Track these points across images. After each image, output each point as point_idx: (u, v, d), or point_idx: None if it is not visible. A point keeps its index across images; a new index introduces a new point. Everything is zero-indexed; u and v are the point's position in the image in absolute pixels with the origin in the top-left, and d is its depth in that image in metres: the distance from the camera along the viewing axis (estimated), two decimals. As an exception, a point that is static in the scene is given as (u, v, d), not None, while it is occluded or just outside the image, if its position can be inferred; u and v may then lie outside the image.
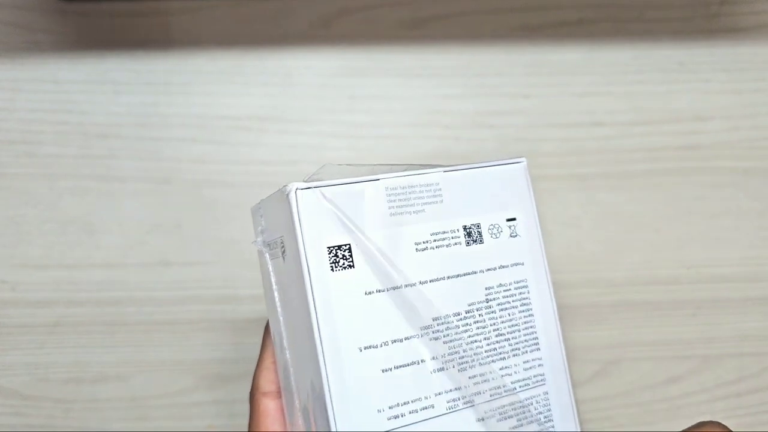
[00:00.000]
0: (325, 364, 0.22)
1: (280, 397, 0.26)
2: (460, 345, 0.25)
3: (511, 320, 0.26)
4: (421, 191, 0.25)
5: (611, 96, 0.44)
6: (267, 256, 0.26)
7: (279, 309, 0.25)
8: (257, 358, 0.28)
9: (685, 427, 0.25)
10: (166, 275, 0.42)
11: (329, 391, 0.22)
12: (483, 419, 0.24)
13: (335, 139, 0.43)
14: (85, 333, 0.42)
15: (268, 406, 0.26)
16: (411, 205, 0.25)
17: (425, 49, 0.43)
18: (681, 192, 0.44)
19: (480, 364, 0.25)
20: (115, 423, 0.42)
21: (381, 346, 0.23)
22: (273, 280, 0.25)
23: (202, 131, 0.42)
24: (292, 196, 0.23)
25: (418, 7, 0.43)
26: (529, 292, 0.26)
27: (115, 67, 0.42)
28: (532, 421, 0.25)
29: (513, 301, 0.26)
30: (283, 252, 0.24)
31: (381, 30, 0.43)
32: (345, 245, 0.23)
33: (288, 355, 0.25)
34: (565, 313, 0.43)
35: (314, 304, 0.23)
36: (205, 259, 0.42)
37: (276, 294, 0.25)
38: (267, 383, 0.26)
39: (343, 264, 0.23)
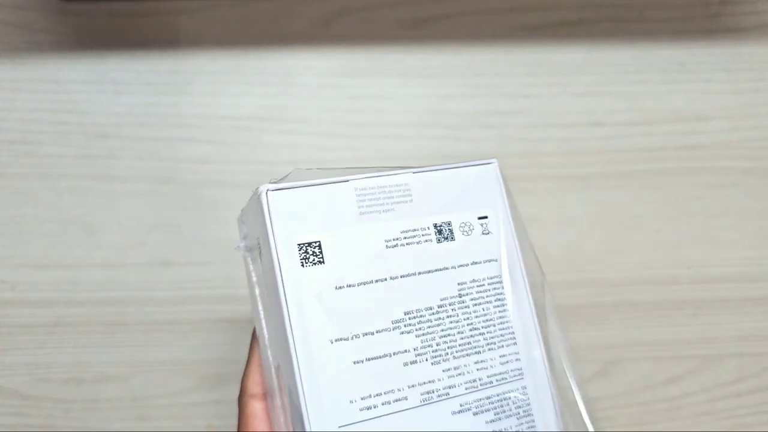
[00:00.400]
0: (296, 356, 0.23)
1: (266, 399, 0.27)
2: (434, 338, 0.25)
3: (485, 315, 0.26)
4: (390, 191, 0.26)
5: (611, 96, 0.44)
6: (249, 260, 0.26)
7: (261, 310, 0.26)
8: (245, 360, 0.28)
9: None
10: (166, 275, 0.42)
11: (301, 382, 0.23)
12: (458, 412, 0.25)
13: (335, 139, 0.43)
14: (85, 333, 0.42)
15: (256, 407, 0.26)
16: (380, 205, 0.25)
17: (425, 49, 0.43)
18: (681, 192, 0.44)
19: (454, 357, 0.25)
20: (115, 423, 0.42)
21: (352, 338, 0.24)
22: (255, 282, 0.26)
23: (202, 131, 0.42)
24: (263, 196, 0.24)
25: (418, 7, 0.43)
26: (503, 288, 0.27)
27: (115, 67, 0.42)
28: (510, 415, 0.25)
29: (487, 296, 0.26)
30: (260, 253, 0.25)
31: (381, 30, 0.43)
32: (315, 242, 0.24)
33: (269, 355, 0.25)
34: (565, 313, 0.43)
35: (285, 298, 0.23)
36: (205, 259, 0.42)
37: (258, 296, 0.26)
38: (254, 385, 0.27)
39: (314, 260, 0.24)
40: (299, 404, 0.23)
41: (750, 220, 0.44)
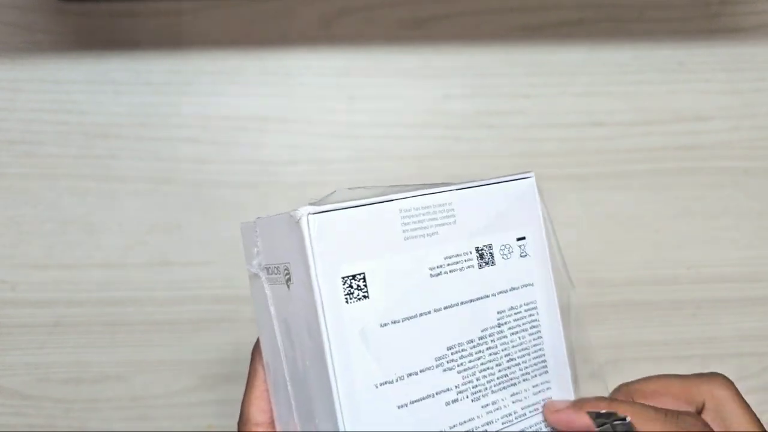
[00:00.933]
0: (340, 404, 0.21)
1: (273, 427, 0.25)
2: (474, 374, 0.24)
3: (521, 344, 0.25)
4: (434, 212, 0.24)
5: (611, 96, 0.44)
6: (264, 281, 0.24)
7: (279, 339, 0.24)
8: (245, 384, 0.26)
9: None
10: (166, 275, 0.42)
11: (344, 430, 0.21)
12: None
13: (335, 139, 0.43)
14: (85, 333, 0.42)
15: None
16: (425, 228, 0.23)
17: (425, 49, 0.43)
18: (681, 192, 0.44)
19: (492, 392, 0.24)
20: (115, 423, 0.42)
21: (397, 381, 0.22)
22: (272, 308, 0.24)
23: (202, 131, 0.42)
24: (303, 222, 0.21)
25: (418, 7, 0.43)
26: (538, 314, 0.26)
27: (115, 67, 0.42)
28: None
29: (523, 323, 0.25)
30: (288, 280, 0.23)
31: (381, 30, 0.43)
32: (359, 274, 0.22)
33: (291, 389, 0.24)
34: (565, 313, 0.43)
35: (328, 339, 0.21)
36: (205, 259, 0.42)
37: (275, 323, 0.24)
38: (259, 413, 0.25)
39: (358, 295, 0.22)
40: None
41: (750, 220, 0.44)
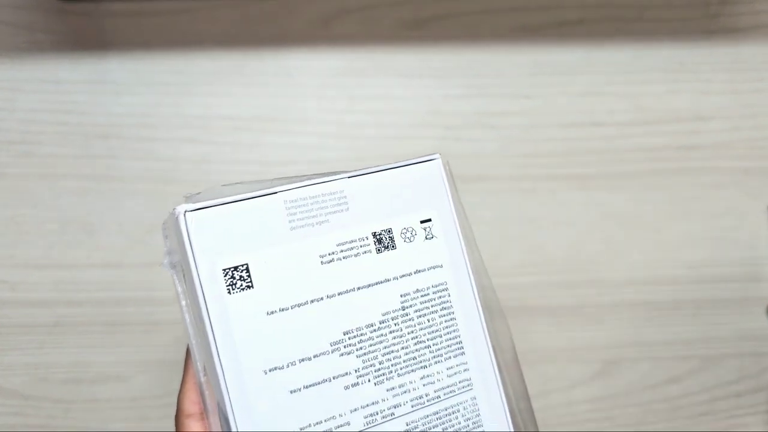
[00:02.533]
0: (227, 390, 0.22)
1: (203, 418, 0.25)
2: (376, 357, 0.24)
3: (430, 326, 0.25)
4: (324, 201, 0.24)
5: (611, 96, 0.44)
6: (175, 277, 0.24)
7: (190, 330, 0.24)
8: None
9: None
10: (166, 275, 0.42)
11: (234, 417, 0.22)
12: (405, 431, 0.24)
13: (335, 139, 0.43)
14: (85, 333, 0.42)
15: (193, 427, 0.25)
16: (313, 217, 0.24)
17: (425, 49, 0.43)
18: (681, 192, 0.44)
19: (399, 375, 0.24)
20: (115, 423, 0.42)
21: (287, 366, 0.22)
22: (182, 302, 0.24)
23: (202, 131, 0.42)
24: (181, 219, 0.22)
25: (418, 7, 0.43)
26: (449, 295, 0.25)
27: (115, 67, 0.42)
28: (460, 429, 0.25)
29: (432, 306, 0.25)
30: (183, 275, 0.23)
31: (381, 30, 0.43)
32: (242, 265, 0.22)
33: (202, 379, 0.24)
34: (565, 313, 0.43)
35: (212, 329, 0.22)
36: (205, 259, 0.42)
37: (186, 315, 0.24)
38: (190, 404, 0.25)
39: (241, 285, 0.22)
40: None
41: (750, 220, 0.44)
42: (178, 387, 0.42)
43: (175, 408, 0.26)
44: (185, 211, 0.22)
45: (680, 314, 0.44)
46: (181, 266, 0.23)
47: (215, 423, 0.24)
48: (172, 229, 0.23)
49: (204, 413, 0.25)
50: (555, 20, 0.44)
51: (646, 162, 0.44)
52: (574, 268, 0.43)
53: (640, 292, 0.44)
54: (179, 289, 0.24)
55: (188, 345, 0.26)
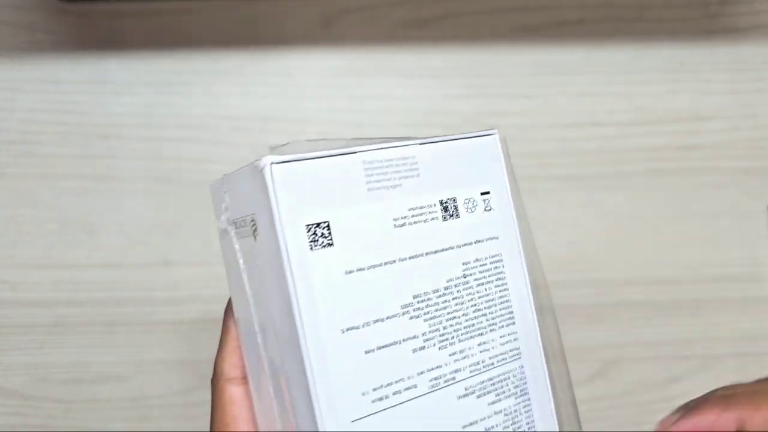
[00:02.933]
0: (307, 349, 0.21)
1: (246, 383, 0.25)
2: (440, 322, 0.24)
3: (487, 295, 0.26)
4: (397, 165, 0.24)
5: (611, 96, 0.44)
6: (233, 235, 0.24)
7: (248, 291, 0.24)
8: (219, 342, 0.26)
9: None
10: (166, 275, 0.42)
11: (313, 378, 0.21)
12: (463, 396, 0.24)
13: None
14: (85, 333, 0.42)
15: (234, 392, 0.25)
16: (388, 180, 0.24)
17: (425, 49, 0.43)
18: (681, 192, 0.44)
19: (459, 340, 0.25)
20: (115, 423, 0.42)
21: (363, 326, 0.23)
22: (240, 261, 0.24)
23: (202, 131, 0.42)
24: (267, 171, 0.22)
25: (418, 7, 0.43)
26: (503, 266, 0.26)
27: (116, 67, 0.42)
28: (509, 395, 0.25)
29: (489, 275, 0.26)
30: (255, 231, 0.23)
31: (381, 30, 0.43)
32: (324, 222, 0.22)
33: (260, 340, 0.24)
34: (565, 313, 0.43)
35: (294, 285, 0.21)
36: (205, 259, 0.42)
37: (244, 276, 0.24)
38: (231, 368, 0.25)
39: (323, 242, 0.22)
40: (310, 401, 0.21)
41: (750, 220, 0.44)
42: (178, 387, 0.42)
43: (212, 372, 0.26)
44: (272, 163, 0.22)
45: (680, 314, 0.44)
46: (251, 222, 0.23)
47: (266, 384, 0.24)
48: (249, 182, 0.23)
49: (248, 380, 0.25)
50: (555, 20, 0.44)
51: (646, 162, 0.44)
52: (574, 268, 0.43)
53: (640, 292, 0.44)
54: (237, 246, 0.24)
55: (226, 309, 0.26)
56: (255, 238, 0.23)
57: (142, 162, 0.42)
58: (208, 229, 0.42)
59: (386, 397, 0.23)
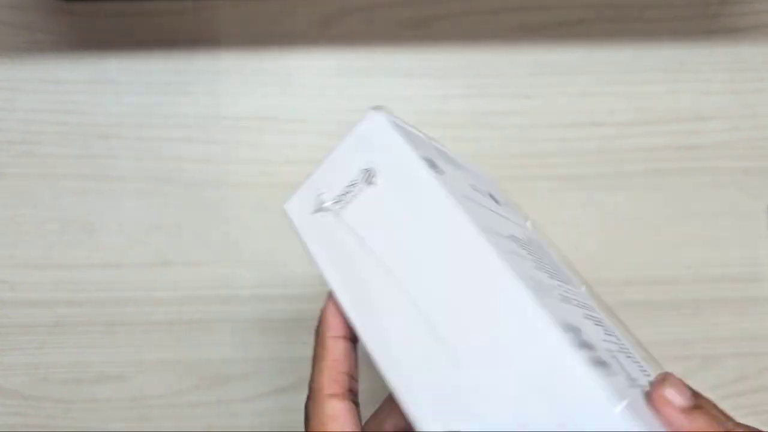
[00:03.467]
0: (527, 293, 0.19)
1: (347, 398, 0.24)
2: (540, 258, 0.25)
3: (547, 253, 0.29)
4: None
5: (611, 96, 0.44)
6: (339, 210, 0.24)
7: (368, 265, 0.22)
8: (312, 356, 0.25)
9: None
10: (166, 275, 0.42)
11: (551, 323, 0.19)
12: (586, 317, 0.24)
13: (335, 140, 0.43)
14: (85, 333, 0.42)
15: (337, 407, 0.24)
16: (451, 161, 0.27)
17: (425, 49, 0.43)
18: (681, 192, 0.44)
19: (550, 277, 0.25)
20: (115, 423, 0.42)
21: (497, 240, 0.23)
22: (349, 235, 0.23)
23: (202, 131, 0.42)
24: (382, 118, 0.24)
25: (418, 7, 0.43)
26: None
27: (116, 67, 0.42)
28: (597, 324, 0.24)
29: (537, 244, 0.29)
30: (371, 177, 0.23)
31: (381, 30, 0.43)
32: (430, 159, 0.24)
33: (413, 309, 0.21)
34: (565, 313, 0.43)
35: (449, 198, 0.22)
36: (205, 259, 0.42)
37: (357, 255, 0.23)
38: (332, 383, 0.24)
39: (439, 171, 0.24)
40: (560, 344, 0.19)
41: (750, 220, 0.44)
42: (178, 387, 0.42)
43: (308, 391, 0.25)
44: (384, 113, 0.25)
45: (680, 314, 0.44)
46: (363, 176, 0.24)
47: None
48: (363, 142, 0.25)
49: (346, 392, 0.24)
50: (555, 20, 0.44)
51: (646, 162, 0.44)
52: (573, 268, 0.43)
53: (640, 292, 0.44)
54: (348, 212, 0.24)
55: (318, 327, 0.25)
56: (375, 183, 0.23)
57: (142, 162, 0.42)
58: (208, 229, 0.42)
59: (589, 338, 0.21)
